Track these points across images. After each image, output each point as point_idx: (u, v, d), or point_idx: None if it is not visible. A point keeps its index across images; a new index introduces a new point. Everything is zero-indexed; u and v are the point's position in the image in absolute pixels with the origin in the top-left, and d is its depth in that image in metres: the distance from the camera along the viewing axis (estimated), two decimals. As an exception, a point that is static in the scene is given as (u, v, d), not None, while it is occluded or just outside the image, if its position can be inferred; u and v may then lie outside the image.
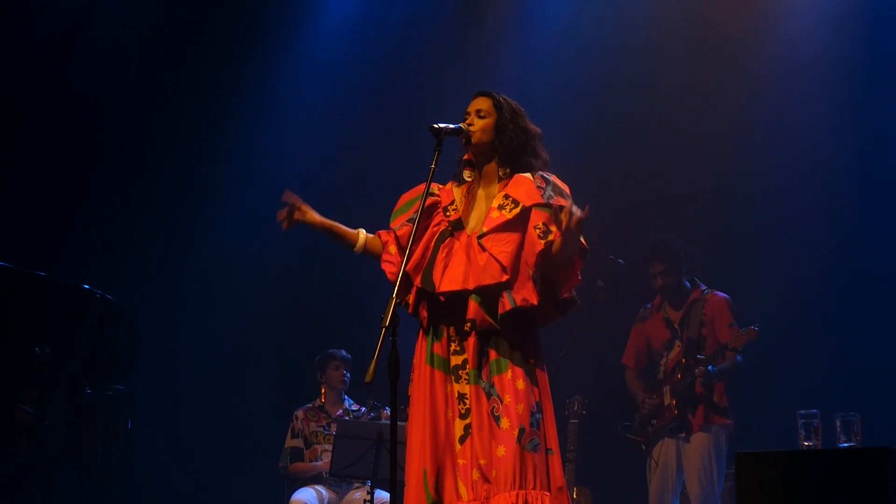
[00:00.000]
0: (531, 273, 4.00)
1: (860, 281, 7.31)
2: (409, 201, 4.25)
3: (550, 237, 3.99)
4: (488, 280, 3.99)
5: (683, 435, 6.38)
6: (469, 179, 4.22)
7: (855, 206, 7.41)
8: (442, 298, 4.05)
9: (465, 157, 4.22)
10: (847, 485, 3.66)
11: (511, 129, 4.13)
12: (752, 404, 6.70)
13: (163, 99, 8.11)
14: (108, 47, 8.00)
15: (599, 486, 7.00)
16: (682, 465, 6.41)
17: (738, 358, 6.35)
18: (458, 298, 4.02)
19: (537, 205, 4.04)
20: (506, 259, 3.99)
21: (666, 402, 6.44)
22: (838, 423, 4.07)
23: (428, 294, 4.08)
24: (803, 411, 4.15)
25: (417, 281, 4.08)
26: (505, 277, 3.99)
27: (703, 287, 6.57)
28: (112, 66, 7.99)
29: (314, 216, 4.28)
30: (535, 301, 4.00)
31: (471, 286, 4.00)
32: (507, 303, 4.00)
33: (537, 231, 4.01)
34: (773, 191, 7.56)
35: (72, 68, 7.94)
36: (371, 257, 4.30)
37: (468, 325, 4.01)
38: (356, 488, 6.70)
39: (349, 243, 4.29)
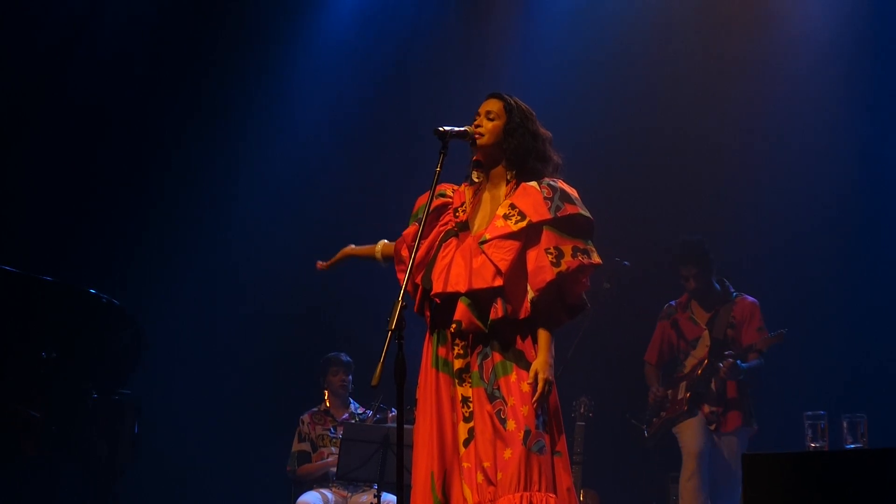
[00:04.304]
0: (532, 297, 4.00)
1: (867, 282, 7.30)
2: (424, 205, 4.24)
3: (563, 267, 3.98)
4: (480, 284, 3.98)
5: (714, 427, 6.38)
6: (477, 181, 4.22)
7: (863, 206, 7.41)
8: (437, 300, 4.06)
9: (474, 158, 4.22)
10: (854, 486, 3.65)
11: (520, 133, 4.12)
12: (758, 405, 6.70)
13: (167, 103, 8.10)
14: (112, 50, 8.00)
15: (606, 488, 6.99)
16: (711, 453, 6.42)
17: (761, 359, 6.37)
18: (456, 302, 4.02)
19: (547, 223, 4.02)
20: (503, 265, 3.98)
21: (680, 396, 6.46)
22: (845, 425, 4.07)
23: (429, 295, 4.10)
24: (810, 412, 4.14)
25: (418, 278, 4.10)
26: (498, 282, 3.97)
27: (733, 289, 6.59)
28: (116, 69, 7.99)
29: (335, 260, 4.60)
30: (521, 316, 4.01)
31: (463, 289, 4.00)
32: (499, 309, 3.99)
33: (549, 256, 3.99)
34: (780, 192, 7.55)
35: (77, 70, 7.94)
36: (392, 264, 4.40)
37: (454, 326, 4.00)
38: (363, 491, 6.70)
39: (371, 256, 4.45)
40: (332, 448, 6.80)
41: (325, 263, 4.58)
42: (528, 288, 4.01)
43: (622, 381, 7.32)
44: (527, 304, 4.00)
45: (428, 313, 4.14)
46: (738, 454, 6.28)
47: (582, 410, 6.82)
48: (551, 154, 4.18)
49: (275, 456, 7.23)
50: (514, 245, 4.01)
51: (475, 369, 4.00)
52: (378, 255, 4.42)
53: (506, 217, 4.04)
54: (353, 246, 4.53)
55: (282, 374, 8.03)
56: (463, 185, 4.27)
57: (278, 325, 8.19)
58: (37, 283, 6.16)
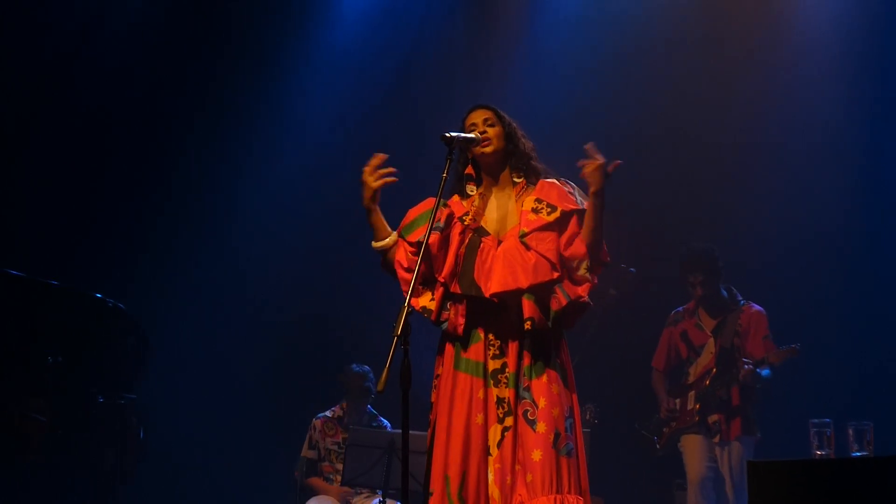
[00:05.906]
0: (586, 264, 4.05)
1: (872, 289, 7.29)
2: (421, 215, 4.22)
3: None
4: (543, 277, 4.02)
5: (718, 440, 6.38)
6: (472, 194, 4.22)
7: (869, 211, 7.40)
8: (496, 300, 4.03)
9: (467, 170, 4.23)
10: (860, 494, 3.65)
11: (517, 136, 4.20)
12: (764, 413, 6.69)
13: (171, 107, 8.12)
14: (118, 53, 8.02)
15: (610, 495, 6.98)
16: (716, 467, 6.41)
17: (771, 371, 6.37)
18: (502, 301, 4.02)
19: (576, 212, 4.10)
20: (553, 256, 4.04)
21: (689, 407, 6.46)
22: (851, 432, 4.06)
23: (468, 300, 4.06)
24: (816, 420, 4.14)
25: (455, 287, 4.08)
26: (556, 274, 4.03)
27: (740, 297, 6.58)
28: (122, 73, 8.01)
29: (376, 189, 4.27)
30: (586, 297, 4.05)
31: (524, 285, 4.01)
32: (561, 298, 4.05)
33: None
34: (785, 198, 7.55)
35: (81, 74, 7.95)
36: (382, 258, 4.26)
37: (528, 323, 3.99)
38: (368, 497, 6.68)
39: (381, 235, 4.24)
40: (338, 465, 6.69)
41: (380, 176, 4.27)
42: (578, 261, 4.05)
43: (627, 388, 7.32)
44: (584, 277, 4.05)
45: (461, 320, 4.08)
46: (742, 462, 6.28)
47: (588, 417, 6.81)
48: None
49: (280, 459, 7.22)
50: (552, 236, 4.06)
51: (513, 370, 4.02)
52: (390, 245, 4.21)
53: (535, 211, 4.10)
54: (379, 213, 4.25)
55: (287, 378, 8.04)
56: (455, 197, 4.26)
57: (283, 329, 8.19)
58: (42, 287, 6.17)
